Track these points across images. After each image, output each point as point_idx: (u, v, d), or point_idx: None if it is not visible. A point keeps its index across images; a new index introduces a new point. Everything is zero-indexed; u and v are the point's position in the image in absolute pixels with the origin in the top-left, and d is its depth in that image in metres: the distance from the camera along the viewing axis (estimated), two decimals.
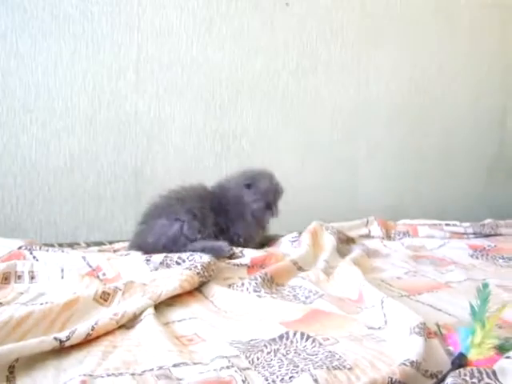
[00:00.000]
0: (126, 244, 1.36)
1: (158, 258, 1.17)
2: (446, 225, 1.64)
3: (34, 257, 1.18)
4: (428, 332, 0.83)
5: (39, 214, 1.63)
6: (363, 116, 1.97)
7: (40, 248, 1.21)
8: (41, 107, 1.60)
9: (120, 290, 1.00)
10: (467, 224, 1.65)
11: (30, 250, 1.20)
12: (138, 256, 1.22)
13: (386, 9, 1.94)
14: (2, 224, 1.59)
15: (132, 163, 1.70)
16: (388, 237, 1.59)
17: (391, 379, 0.67)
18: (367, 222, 1.63)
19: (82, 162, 1.66)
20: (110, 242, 1.45)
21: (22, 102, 1.57)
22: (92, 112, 1.65)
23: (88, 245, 1.43)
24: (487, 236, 1.60)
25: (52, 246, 1.30)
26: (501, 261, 1.36)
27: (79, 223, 1.67)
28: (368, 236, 1.58)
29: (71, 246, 1.39)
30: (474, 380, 0.68)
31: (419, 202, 2.03)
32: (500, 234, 1.62)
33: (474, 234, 1.61)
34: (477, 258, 1.39)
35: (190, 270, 1.08)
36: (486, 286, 0.80)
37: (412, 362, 0.72)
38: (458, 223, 1.64)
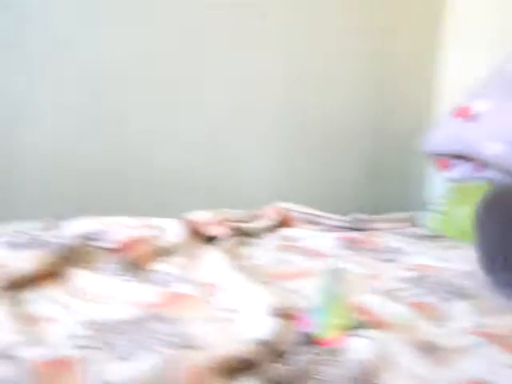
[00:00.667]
0: None
1: (22, 238, 1.12)
2: (320, 216, 1.68)
3: None
4: (282, 314, 0.86)
5: None
6: (246, 109, 1.98)
7: None
8: None
9: None
10: (340, 217, 1.71)
11: None
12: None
13: None
14: None
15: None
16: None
17: (240, 357, 0.69)
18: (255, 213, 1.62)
19: None
20: None
21: None
22: None
23: None
24: (358, 230, 1.65)
25: None
26: (366, 252, 1.41)
27: None
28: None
29: None
30: (319, 358, 0.72)
31: (297, 196, 2.06)
32: (370, 229, 1.67)
33: (348, 227, 1.66)
34: (347, 249, 1.43)
35: (50, 251, 1.05)
36: (337, 270, 0.84)
37: (263, 341, 0.75)
38: (332, 215, 1.70)
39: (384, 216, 1.77)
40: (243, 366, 0.68)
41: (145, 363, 0.66)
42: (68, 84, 1.67)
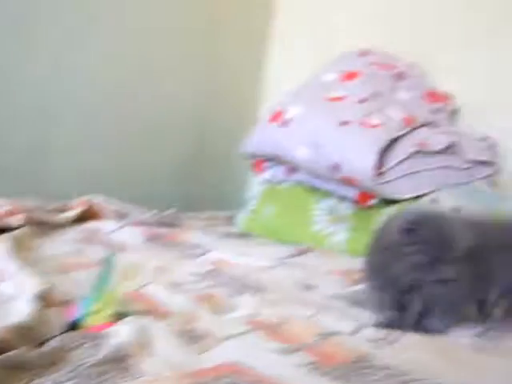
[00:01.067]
0: None
1: None
2: (131, 211, 1.66)
3: None
4: (49, 301, 0.85)
5: None
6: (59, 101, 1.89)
7: None
8: None
9: None
10: (153, 212, 1.70)
11: None
12: None
13: None
14: None
15: None
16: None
17: None
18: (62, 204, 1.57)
19: None
20: None
21: None
22: None
23: None
24: (169, 226, 1.64)
25: None
26: (172, 248, 1.41)
27: None
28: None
29: None
30: (76, 343, 0.71)
31: (119, 185, 2.00)
32: (180, 225, 1.68)
33: (155, 223, 1.64)
34: (150, 243, 1.43)
35: None
36: (110, 258, 0.84)
37: (19, 324, 0.73)
38: (144, 210, 1.69)
39: (198, 214, 1.80)
40: None
41: None
42: None
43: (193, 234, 1.54)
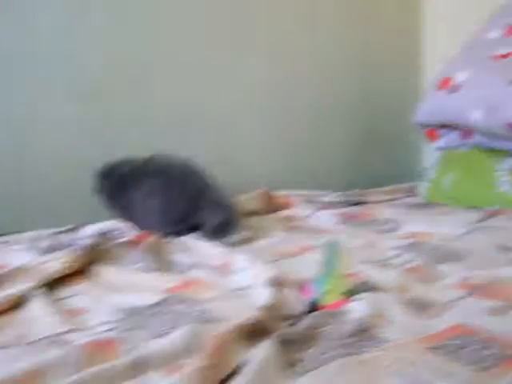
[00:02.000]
0: (7, 238, 1.40)
1: (44, 242, 1.24)
2: (317, 196, 1.79)
3: None
4: (282, 282, 0.98)
5: None
6: (231, 102, 2.07)
7: None
8: None
9: (6, 275, 1.06)
10: (337, 193, 1.82)
11: None
12: (24, 243, 1.28)
13: None
14: None
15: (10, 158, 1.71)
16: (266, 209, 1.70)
17: (252, 320, 0.80)
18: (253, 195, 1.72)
19: None
20: None
21: None
22: None
23: None
24: (355, 204, 1.75)
25: None
26: (364, 226, 1.49)
27: None
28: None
29: None
30: (323, 320, 0.83)
31: (294, 178, 2.16)
32: (366, 202, 1.78)
33: (342, 203, 1.75)
34: (343, 224, 1.53)
35: (75, 251, 1.16)
36: (335, 241, 0.95)
37: (266, 306, 0.86)
38: (329, 193, 1.81)
39: (379, 188, 1.88)
40: (257, 330, 0.79)
41: (174, 337, 0.77)
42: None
43: (381, 209, 1.63)
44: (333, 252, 0.93)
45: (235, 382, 0.65)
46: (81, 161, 1.75)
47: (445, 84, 1.75)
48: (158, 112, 1.90)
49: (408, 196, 1.84)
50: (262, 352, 0.70)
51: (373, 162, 2.31)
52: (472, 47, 1.81)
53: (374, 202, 1.76)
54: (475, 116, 1.62)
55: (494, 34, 1.76)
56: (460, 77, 1.71)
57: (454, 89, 1.71)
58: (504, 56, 1.67)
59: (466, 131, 1.73)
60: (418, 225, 1.43)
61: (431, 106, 1.81)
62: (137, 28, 1.84)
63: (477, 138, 1.70)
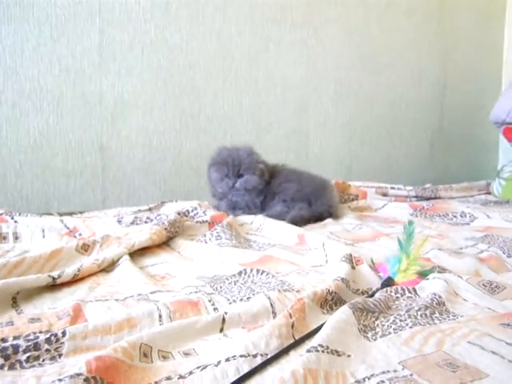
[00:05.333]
0: (96, 214, 1.49)
1: (129, 218, 1.32)
2: (391, 188, 1.81)
3: (16, 221, 1.30)
4: (357, 260, 1.02)
5: (11, 189, 1.74)
6: (312, 90, 2.13)
7: (19, 214, 1.33)
8: (9, 88, 1.71)
9: (98, 242, 1.14)
10: (410, 187, 1.83)
11: (10, 215, 1.32)
12: (110, 217, 1.36)
13: None
14: None
15: (98, 140, 1.82)
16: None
17: (328, 290, 0.84)
18: None
19: (50, 140, 1.77)
20: (81, 213, 1.58)
21: None
22: (59, 92, 1.76)
23: (60, 215, 1.55)
24: (427, 199, 1.78)
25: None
26: (437, 218, 1.53)
27: (50, 197, 1.79)
28: None
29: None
30: (398, 295, 0.86)
31: (367, 170, 2.20)
32: (439, 197, 1.81)
33: (415, 196, 1.78)
34: (416, 216, 1.56)
35: (159, 225, 1.23)
36: (410, 223, 0.97)
37: (342, 279, 0.91)
38: (401, 187, 1.82)
39: (454, 185, 1.87)
40: (332, 299, 0.83)
41: (255, 301, 0.82)
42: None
43: (454, 203, 1.63)
44: (409, 235, 0.95)
45: (312, 339, 0.69)
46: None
47: None
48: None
49: (482, 193, 1.83)
50: (336, 316, 0.74)
51: (446, 159, 2.30)
52: None
53: (447, 197, 1.76)
54: None
55: None
56: None
57: None
58: None
59: None
60: (490, 220, 1.42)
61: (508, 104, 1.79)
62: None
63: None
